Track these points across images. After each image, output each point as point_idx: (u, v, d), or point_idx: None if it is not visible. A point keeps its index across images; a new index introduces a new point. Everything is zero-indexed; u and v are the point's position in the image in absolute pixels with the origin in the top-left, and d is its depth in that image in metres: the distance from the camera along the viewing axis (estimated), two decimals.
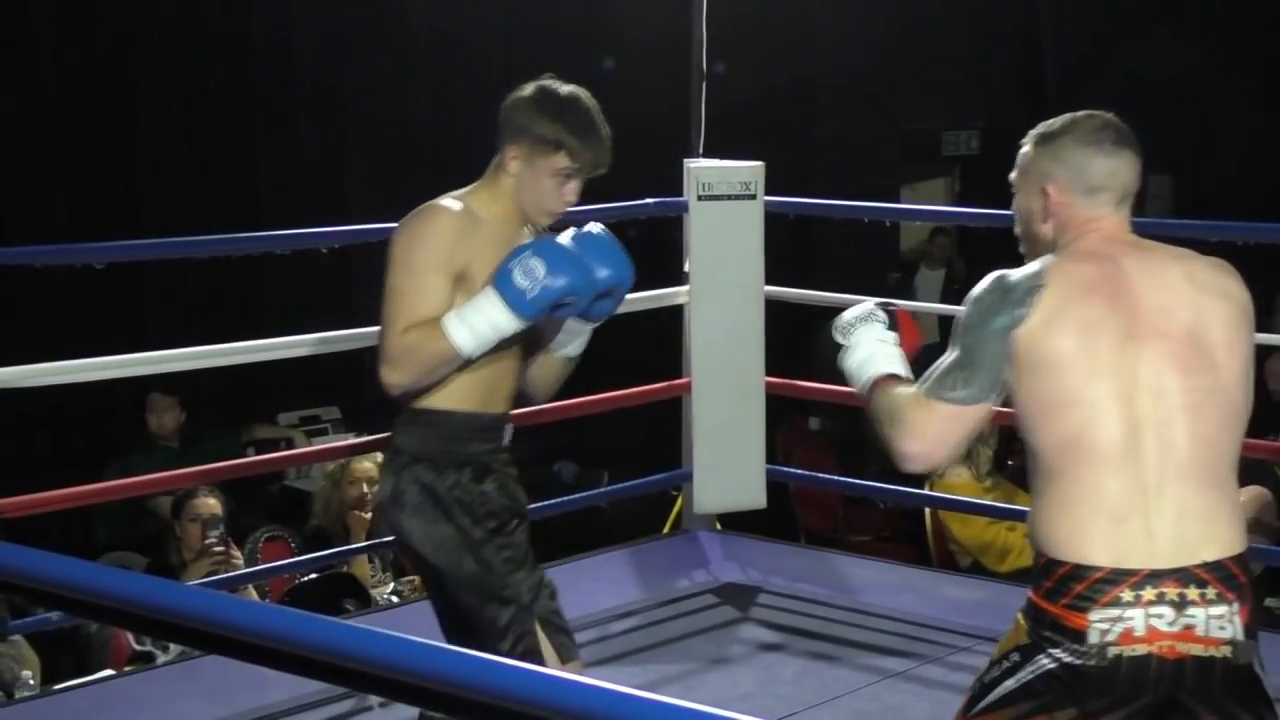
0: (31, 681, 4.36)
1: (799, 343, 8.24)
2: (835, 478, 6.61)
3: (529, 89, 3.07)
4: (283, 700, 3.93)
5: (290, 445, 6.51)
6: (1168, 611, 2.27)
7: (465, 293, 2.93)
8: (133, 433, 6.33)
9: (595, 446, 7.35)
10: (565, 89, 3.07)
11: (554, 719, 1.48)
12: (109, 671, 4.50)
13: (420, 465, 3.03)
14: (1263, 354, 6.89)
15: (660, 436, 5.67)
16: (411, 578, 5.31)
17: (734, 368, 5.00)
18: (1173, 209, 9.20)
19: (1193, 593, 2.27)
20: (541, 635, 3.05)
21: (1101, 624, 2.27)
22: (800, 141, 8.69)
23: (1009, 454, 6.87)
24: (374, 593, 5.19)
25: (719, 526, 5.36)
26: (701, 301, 5.01)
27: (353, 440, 5.88)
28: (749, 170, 5.03)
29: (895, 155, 9.62)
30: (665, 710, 1.42)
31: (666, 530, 5.53)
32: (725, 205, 5.00)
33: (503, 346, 2.97)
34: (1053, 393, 2.34)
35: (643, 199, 5.13)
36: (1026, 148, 2.52)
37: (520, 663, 1.50)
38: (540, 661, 2.99)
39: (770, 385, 5.09)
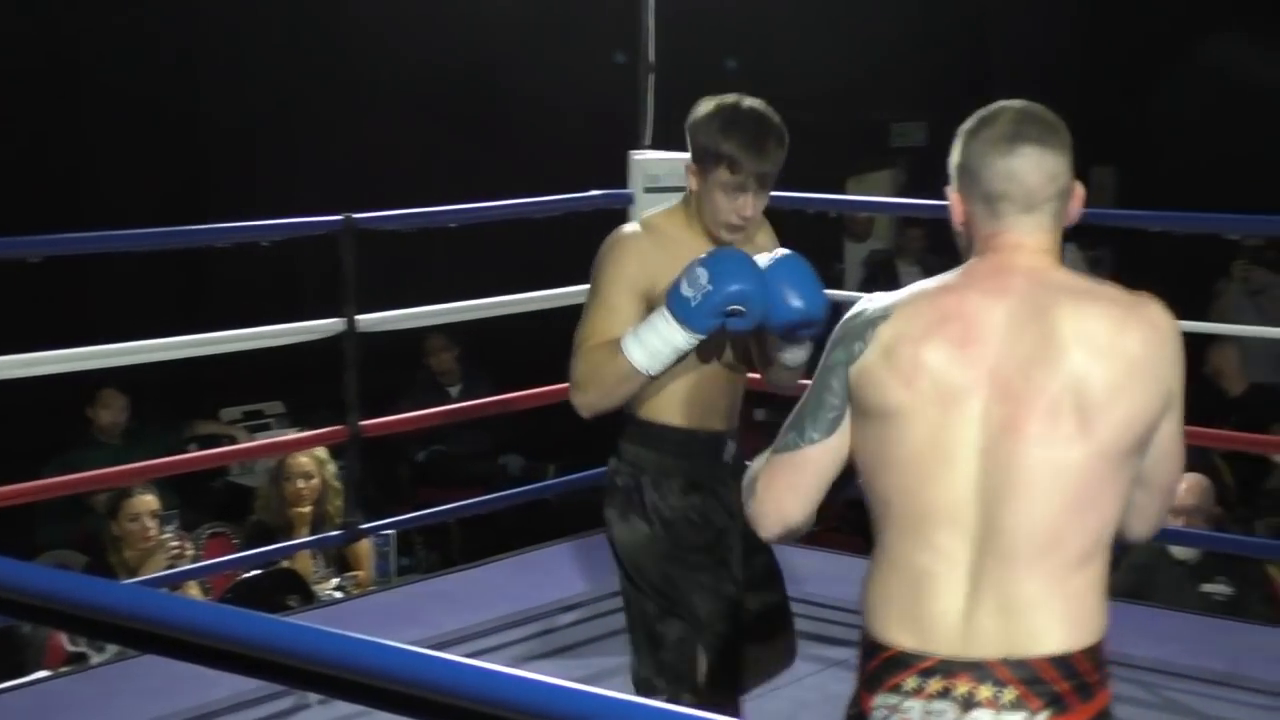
0: None
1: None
2: None
3: (706, 104, 3.12)
4: (224, 698, 3.90)
5: (233, 442, 6.47)
6: (949, 709, 1.98)
7: None
8: (74, 430, 6.28)
9: (542, 439, 7.33)
10: (737, 102, 3.11)
11: (497, 714, 1.47)
12: (44, 673, 4.45)
13: (635, 469, 3.15)
14: (1205, 342, 7.02)
15: (607, 428, 5.65)
16: (355, 573, 5.29)
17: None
18: (1115, 200, 9.26)
19: (984, 692, 1.97)
20: (706, 658, 3.10)
21: (881, 709, 2.02)
22: None
23: None
24: (317, 589, 5.16)
25: None
26: None
27: (296, 435, 5.84)
28: None
29: (842, 147, 9.64)
30: (605, 704, 1.42)
31: None
32: (672, 197, 4.97)
33: (712, 364, 3.06)
34: (878, 445, 2.07)
35: (588, 191, 5.13)
36: None
37: (471, 661, 1.48)
38: (685, 683, 3.08)
39: None
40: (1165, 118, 9.11)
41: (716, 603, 3.11)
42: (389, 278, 6.49)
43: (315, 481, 5.38)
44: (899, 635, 2.02)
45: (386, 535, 5.08)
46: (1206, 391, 7.08)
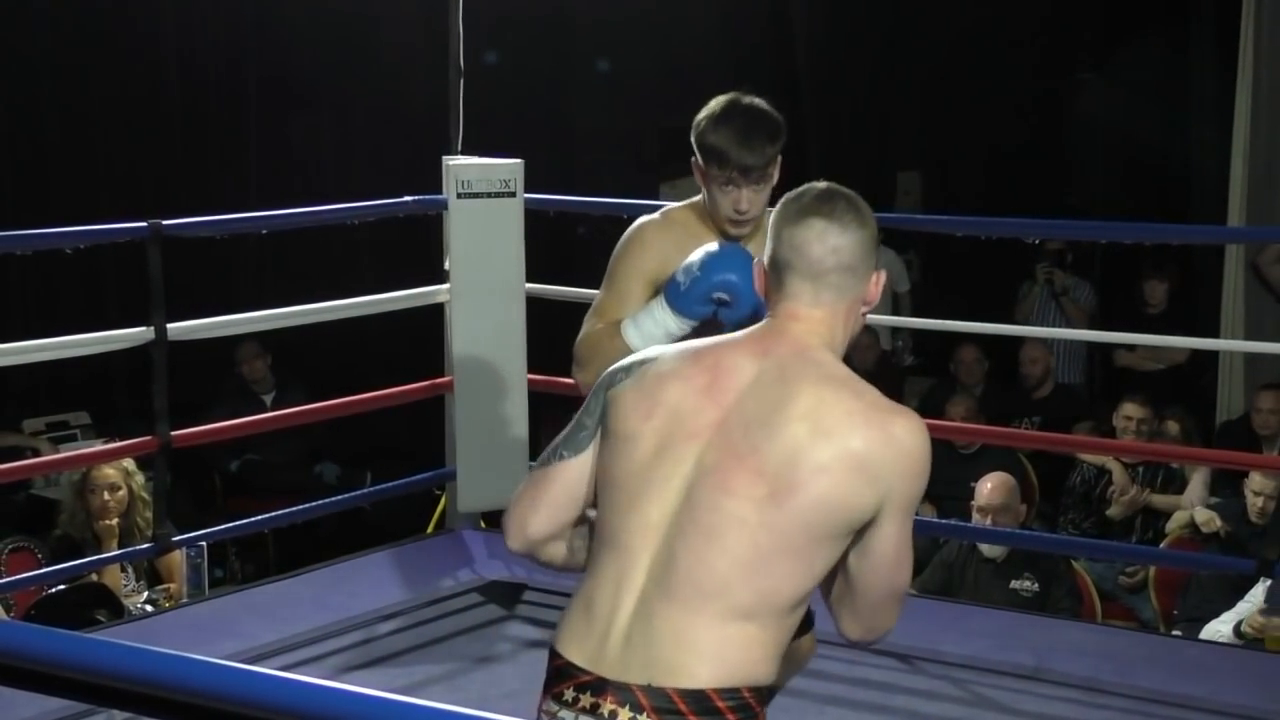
0: None
1: (561, 340, 8.28)
2: None
3: (709, 103, 3.11)
4: (29, 718, 3.79)
5: (37, 454, 6.29)
6: None
7: None
8: None
9: (358, 447, 7.26)
10: (732, 99, 3.10)
11: None
12: None
13: None
14: (1013, 344, 7.20)
15: (423, 436, 5.63)
16: (166, 586, 5.18)
17: (496, 366, 4.99)
18: (922, 204, 9.46)
19: (624, 714, 2.06)
20: None
21: (545, 714, 2.13)
22: (559, 138, 8.71)
23: None
24: (127, 603, 5.05)
25: (483, 525, 5.34)
26: (462, 300, 4.98)
27: (103, 446, 5.69)
28: (508, 168, 5.02)
29: (654, 152, 9.69)
30: (425, 714, 1.41)
31: (431, 530, 5.49)
32: (485, 203, 4.98)
33: None
34: (607, 463, 2.19)
35: (402, 197, 5.10)
36: None
37: (286, 675, 1.46)
38: None
39: (532, 383, 5.09)
40: (969, 122, 9.33)
41: None
42: (197, 284, 6.38)
43: (122, 493, 5.26)
44: (569, 647, 2.12)
45: (199, 547, 4.99)
46: (1013, 393, 7.28)
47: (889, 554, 2.12)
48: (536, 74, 8.50)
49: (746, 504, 2.06)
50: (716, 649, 2.06)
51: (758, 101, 3.11)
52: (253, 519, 5.06)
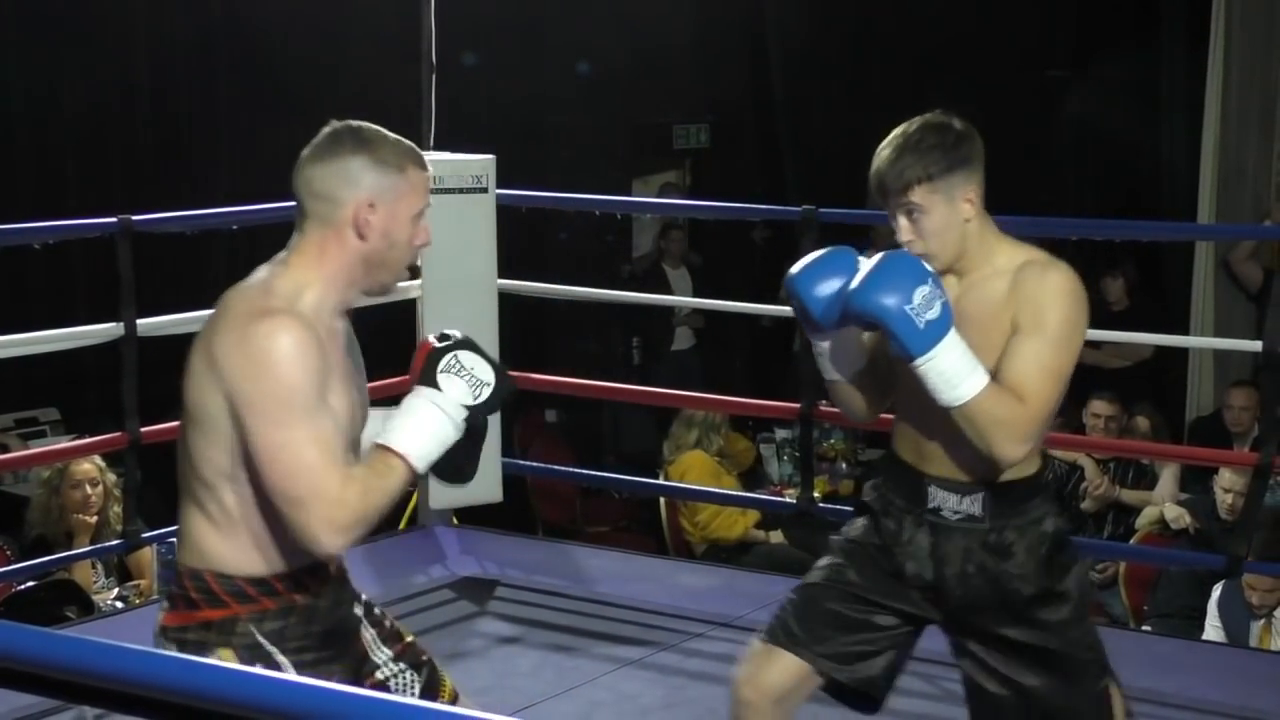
0: None
1: (534, 335, 8.28)
2: (571, 470, 6.64)
3: None
4: None
5: (6, 450, 6.26)
6: None
7: None
8: None
9: None
10: (902, 127, 2.79)
11: None
12: None
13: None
14: None
15: None
16: (137, 583, 5.17)
17: None
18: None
19: None
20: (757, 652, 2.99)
21: None
22: (531, 134, 8.70)
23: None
24: (97, 599, 5.03)
25: (456, 521, 5.34)
26: (434, 295, 4.98)
27: (73, 442, 5.67)
28: (480, 163, 5.01)
29: (626, 149, 9.70)
30: (391, 709, 1.41)
31: (403, 526, 5.48)
32: (457, 199, 4.98)
33: (912, 399, 2.81)
34: None
35: None
36: None
37: (236, 666, 1.46)
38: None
39: None
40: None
41: (820, 577, 2.99)
42: (168, 280, 6.35)
43: (100, 488, 5.25)
44: None
45: (170, 543, 4.97)
46: None
47: (262, 455, 2.24)
48: (511, 72, 8.50)
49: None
50: (182, 531, 2.38)
51: (935, 120, 2.79)
52: None
